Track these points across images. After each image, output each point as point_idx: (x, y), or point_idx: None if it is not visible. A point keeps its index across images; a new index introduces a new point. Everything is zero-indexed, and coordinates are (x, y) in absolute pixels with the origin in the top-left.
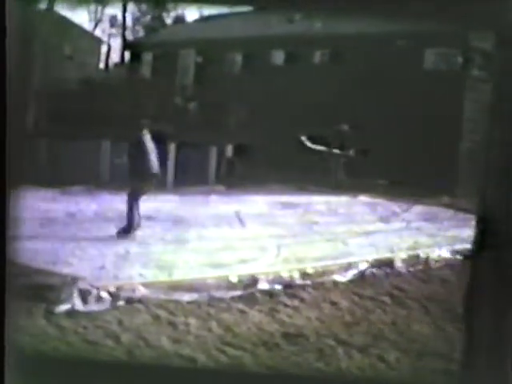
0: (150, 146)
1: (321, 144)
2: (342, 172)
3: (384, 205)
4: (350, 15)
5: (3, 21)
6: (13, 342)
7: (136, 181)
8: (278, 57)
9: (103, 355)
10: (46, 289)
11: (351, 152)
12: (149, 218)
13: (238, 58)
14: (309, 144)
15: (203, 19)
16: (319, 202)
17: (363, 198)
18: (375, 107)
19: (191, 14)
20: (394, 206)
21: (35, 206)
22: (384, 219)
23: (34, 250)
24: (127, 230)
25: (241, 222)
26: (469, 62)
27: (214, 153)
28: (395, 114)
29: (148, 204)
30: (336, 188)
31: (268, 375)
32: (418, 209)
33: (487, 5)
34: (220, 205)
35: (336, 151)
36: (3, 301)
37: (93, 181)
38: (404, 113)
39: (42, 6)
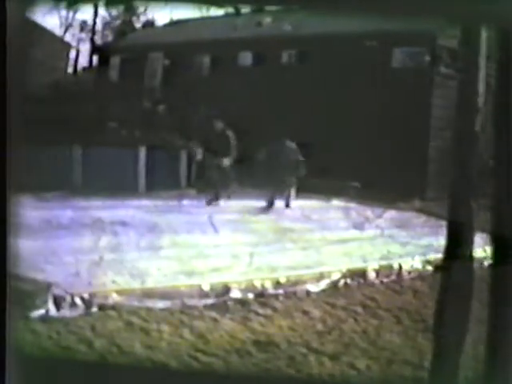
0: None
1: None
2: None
3: (357, 209)
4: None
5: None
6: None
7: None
8: (246, 58)
9: (76, 360)
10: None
11: (226, 161)
12: (123, 223)
13: (206, 61)
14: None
15: (172, 23)
16: (294, 207)
17: (336, 203)
18: (343, 107)
19: (161, 18)
20: (368, 211)
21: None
22: (358, 226)
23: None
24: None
25: (214, 228)
26: (436, 60)
27: (184, 156)
28: (364, 114)
29: (123, 211)
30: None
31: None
32: (391, 214)
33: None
34: (192, 210)
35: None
36: (4, 301)
37: (67, 187)
38: (372, 112)
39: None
